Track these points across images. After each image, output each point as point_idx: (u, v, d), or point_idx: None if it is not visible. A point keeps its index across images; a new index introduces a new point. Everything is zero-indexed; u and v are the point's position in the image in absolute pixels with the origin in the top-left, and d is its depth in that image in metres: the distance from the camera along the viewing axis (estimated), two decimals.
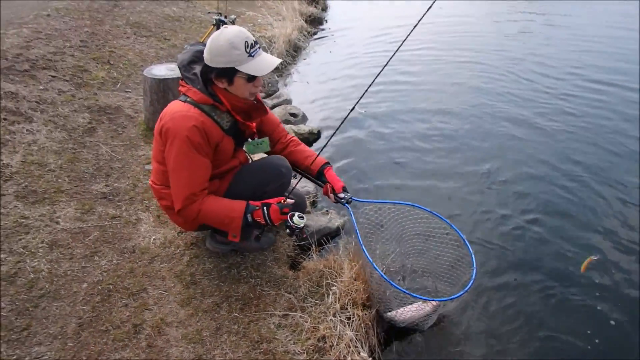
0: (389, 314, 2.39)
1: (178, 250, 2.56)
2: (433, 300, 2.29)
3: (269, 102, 4.99)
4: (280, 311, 2.23)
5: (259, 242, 2.58)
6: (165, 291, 2.30)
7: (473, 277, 2.13)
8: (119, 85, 4.27)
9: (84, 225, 2.65)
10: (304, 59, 7.16)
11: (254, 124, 2.25)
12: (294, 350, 2.04)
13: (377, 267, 2.06)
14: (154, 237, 2.63)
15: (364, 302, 2.29)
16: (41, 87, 3.72)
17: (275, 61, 1.99)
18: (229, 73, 1.93)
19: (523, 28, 8.88)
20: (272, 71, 2.08)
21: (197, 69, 2.01)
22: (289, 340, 2.09)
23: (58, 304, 2.17)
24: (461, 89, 5.83)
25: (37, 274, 2.30)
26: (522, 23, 9.32)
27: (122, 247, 2.55)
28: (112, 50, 4.79)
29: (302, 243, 2.82)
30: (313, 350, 2.05)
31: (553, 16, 9.87)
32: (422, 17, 1.72)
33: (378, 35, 8.32)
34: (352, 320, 2.19)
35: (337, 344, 2.07)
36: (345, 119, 2.03)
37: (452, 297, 2.12)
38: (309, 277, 2.44)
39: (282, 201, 2.05)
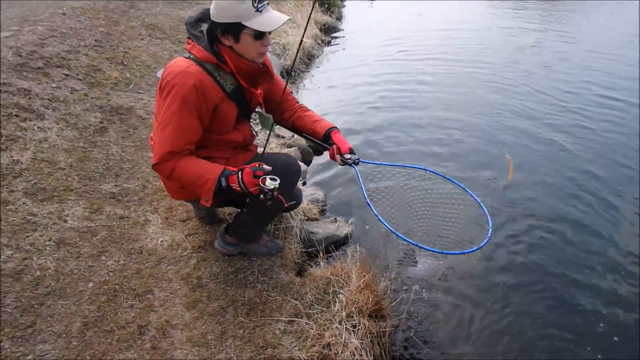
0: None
1: (185, 253, 2.55)
2: (443, 253, 2.14)
3: None
4: (285, 317, 2.21)
5: (267, 246, 2.57)
6: (171, 293, 2.29)
7: (489, 235, 2.01)
8: (131, 86, 4.28)
9: (92, 225, 2.65)
10: (317, 67, 7.19)
11: (260, 92, 2.17)
12: (298, 356, 2.02)
13: (382, 220, 1.97)
14: (161, 239, 2.63)
15: (370, 312, 2.27)
16: (54, 85, 3.75)
17: (283, 17, 1.92)
18: (235, 29, 1.86)
19: (537, 41, 8.86)
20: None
21: (204, 27, 1.95)
22: (294, 346, 2.07)
23: (63, 303, 2.17)
24: (474, 97, 5.87)
25: (43, 271, 2.30)
26: (537, 34, 9.36)
27: (129, 247, 2.55)
28: (126, 51, 4.81)
29: (309, 250, 2.80)
30: (318, 358, 2.03)
31: (567, 31, 9.81)
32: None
33: (388, 39, 8.53)
34: (358, 329, 2.16)
35: (342, 352, 2.04)
36: (298, 50, 1.92)
37: (465, 251, 1.99)
38: (315, 284, 2.42)
39: (257, 165, 1.94)
